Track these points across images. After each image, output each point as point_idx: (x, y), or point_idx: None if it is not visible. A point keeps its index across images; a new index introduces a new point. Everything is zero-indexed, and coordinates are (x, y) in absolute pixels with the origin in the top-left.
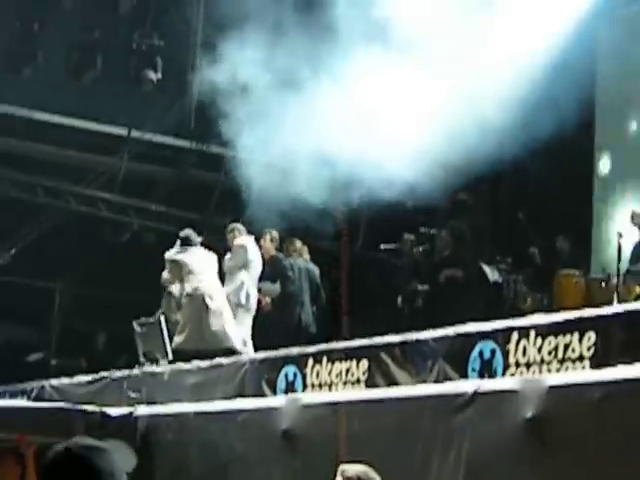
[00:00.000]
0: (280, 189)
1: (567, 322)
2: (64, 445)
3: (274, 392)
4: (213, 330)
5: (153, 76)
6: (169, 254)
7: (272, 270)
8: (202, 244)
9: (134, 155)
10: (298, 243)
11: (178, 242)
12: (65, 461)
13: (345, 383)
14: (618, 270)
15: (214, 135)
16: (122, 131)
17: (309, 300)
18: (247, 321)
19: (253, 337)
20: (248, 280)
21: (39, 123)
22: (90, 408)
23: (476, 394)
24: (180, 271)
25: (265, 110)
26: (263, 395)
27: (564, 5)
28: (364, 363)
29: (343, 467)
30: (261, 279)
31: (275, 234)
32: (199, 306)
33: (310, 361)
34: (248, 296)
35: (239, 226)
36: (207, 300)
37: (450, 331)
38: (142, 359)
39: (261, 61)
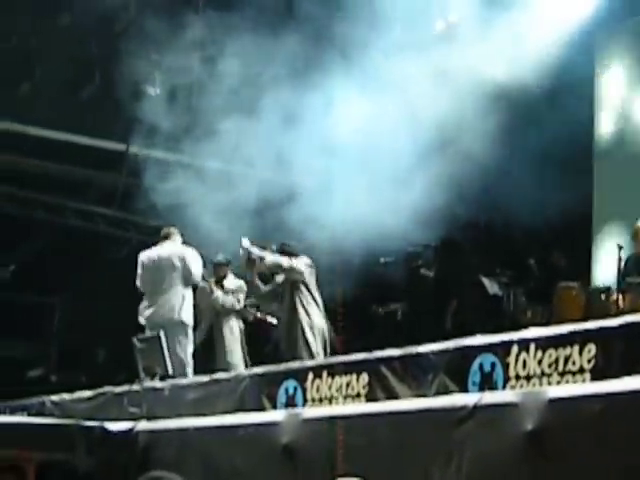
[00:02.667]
0: None
1: (567, 334)
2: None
3: (274, 406)
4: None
5: (152, 91)
6: None
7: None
8: None
9: (133, 170)
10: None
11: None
12: None
13: (345, 397)
14: (618, 282)
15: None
16: (120, 146)
17: None
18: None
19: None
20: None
21: (37, 139)
22: (91, 423)
23: (476, 407)
24: None
25: None
26: (263, 409)
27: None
28: (364, 377)
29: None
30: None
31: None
32: None
33: (310, 375)
34: None
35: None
36: None
37: (450, 344)
38: (142, 374)
39: None
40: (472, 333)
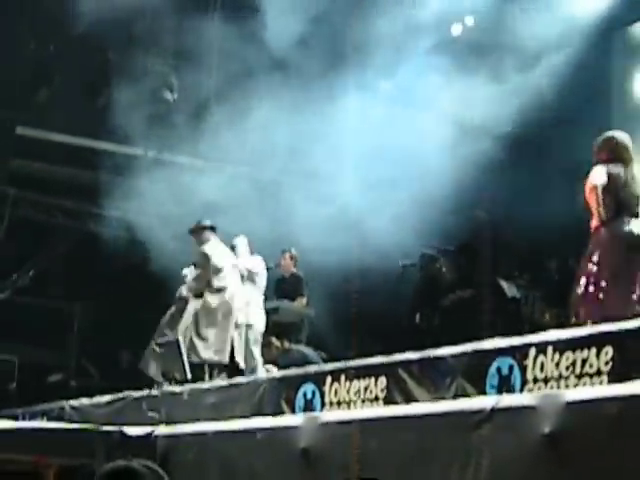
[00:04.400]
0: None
1: (584, 337)
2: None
3: (292, 410)
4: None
5: (169, 96)
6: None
7: (292, 287)
8: None
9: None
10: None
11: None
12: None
13: (363, 401)
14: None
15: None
16: (139, 151)
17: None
18: None
19: None
20: None
21: (57, 145)
22: (110, 428)
23: (494, 410)
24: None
25: None
26: (282, 413)
27: None
28: (382, 380)
29: None
30: (281, 296)
31: (294, 252)
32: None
33: (328, 379)
34: None
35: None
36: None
37: (468, 347)
38: (161, 379)
39: None
40: (490, 336)
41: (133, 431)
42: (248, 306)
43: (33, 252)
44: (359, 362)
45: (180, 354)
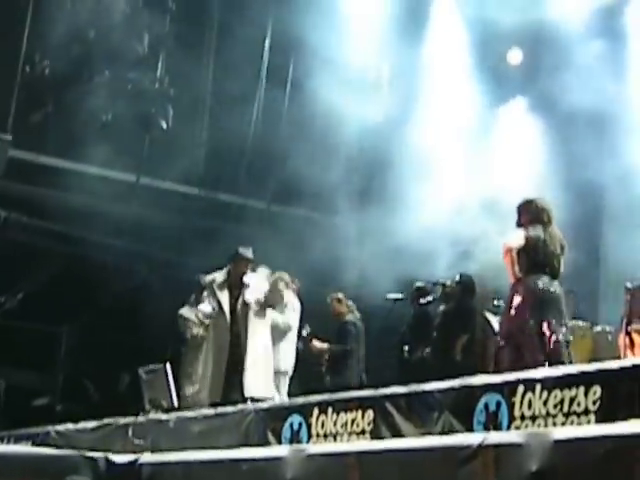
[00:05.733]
0: None
1: (573, 375)
2: None
3: (279, 441)
4: None
5: (163, 123)
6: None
7: (339, 331)
8: None
9: (143, 202)
10: (349, 301)
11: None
12: None
13: (350, 434)
14: (625, 324)
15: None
16: (131, 177)
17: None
18: None
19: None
20: None
21: (48, 168)
22: (95, 454)
23: (481, 447)
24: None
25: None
26: (268, 444)
27: None
28: (369, 414)
29: None
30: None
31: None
32: None
33: (315, 411)
34: None
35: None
36: None
37: (456, 383)
38: (147, 406)
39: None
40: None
41: (118, 458)
42: None
43: (21, 275)
44: (346, 395)
45: (167, 381)
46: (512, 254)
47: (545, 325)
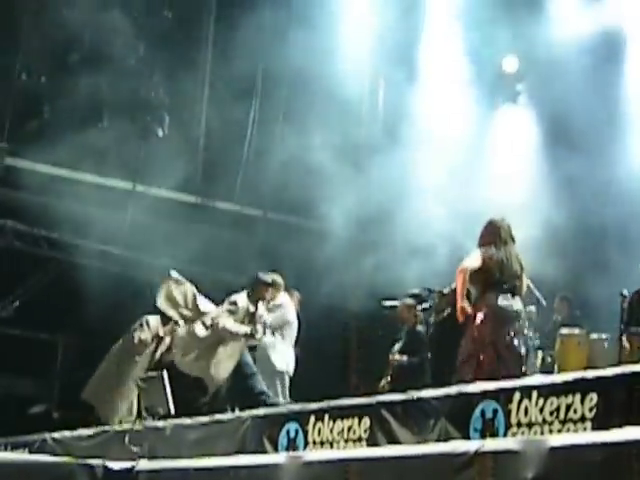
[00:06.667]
0: None
1: (569, 383)
2: None
3: (275, 449)
4: None
5: (159, 131)
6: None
7: (410, 340)
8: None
9: (139, 209)
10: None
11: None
12: None
13: (347, 441)
14: (621, 331)
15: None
16: (127, 185)
17: None
18: None
19: None
20: None
21: (42, 175)
22: (92, 462)
23: (477, 454)
24: None
25: None
26: (264, 452)
27: None
28: (366, 421)
29: None
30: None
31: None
32: None
33: (312, 418)
34: None
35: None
36: None
37: (452, 390)
38: (144, 413)
39: None
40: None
41: (115, 465)
42: None
43: (17, 283)
44: (343, 402)
45: (164, 388)
46: (465, 275)
47: (507, 339)
